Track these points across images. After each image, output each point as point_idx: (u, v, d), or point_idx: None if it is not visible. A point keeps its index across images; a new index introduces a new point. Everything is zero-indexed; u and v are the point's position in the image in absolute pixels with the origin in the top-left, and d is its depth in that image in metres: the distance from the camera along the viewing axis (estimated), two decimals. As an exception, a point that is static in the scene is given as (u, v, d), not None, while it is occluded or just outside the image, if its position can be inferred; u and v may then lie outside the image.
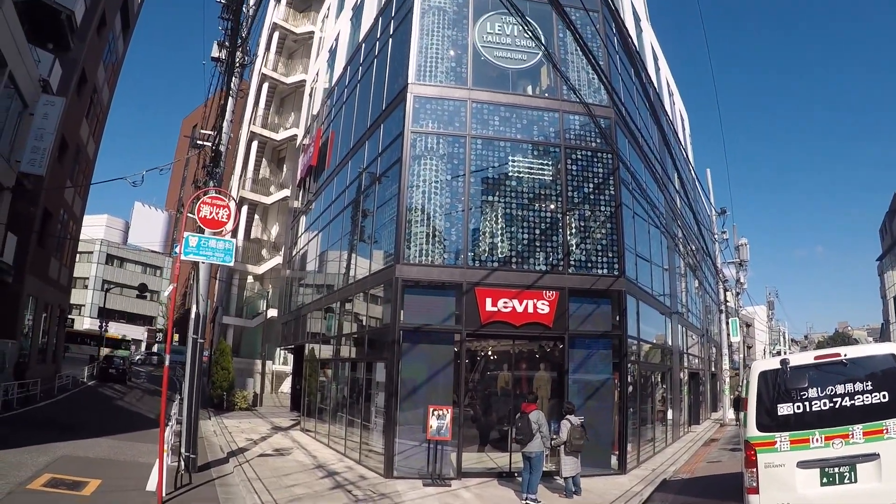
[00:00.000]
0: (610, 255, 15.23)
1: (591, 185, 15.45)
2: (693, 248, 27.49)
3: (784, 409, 7.95)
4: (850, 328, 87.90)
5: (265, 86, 37.99)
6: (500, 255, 14.51)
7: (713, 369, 35.10)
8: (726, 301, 32.71)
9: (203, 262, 13.19)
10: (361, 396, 15.92)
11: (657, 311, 19.35)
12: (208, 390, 27.34)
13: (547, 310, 14.25)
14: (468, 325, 13.78)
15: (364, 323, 16.65)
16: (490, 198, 14.80)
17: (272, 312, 32.81)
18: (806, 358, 8.29)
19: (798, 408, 7.89)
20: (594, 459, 13.86)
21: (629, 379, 15.25)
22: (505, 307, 13.99)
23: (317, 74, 29.93)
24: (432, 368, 13.69)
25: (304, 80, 35.32)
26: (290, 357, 31.78)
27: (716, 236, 31.98)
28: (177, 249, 12.33)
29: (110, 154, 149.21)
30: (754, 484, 7.82)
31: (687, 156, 31.66)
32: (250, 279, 36.89)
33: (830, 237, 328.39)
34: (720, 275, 31.81)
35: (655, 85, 24.76)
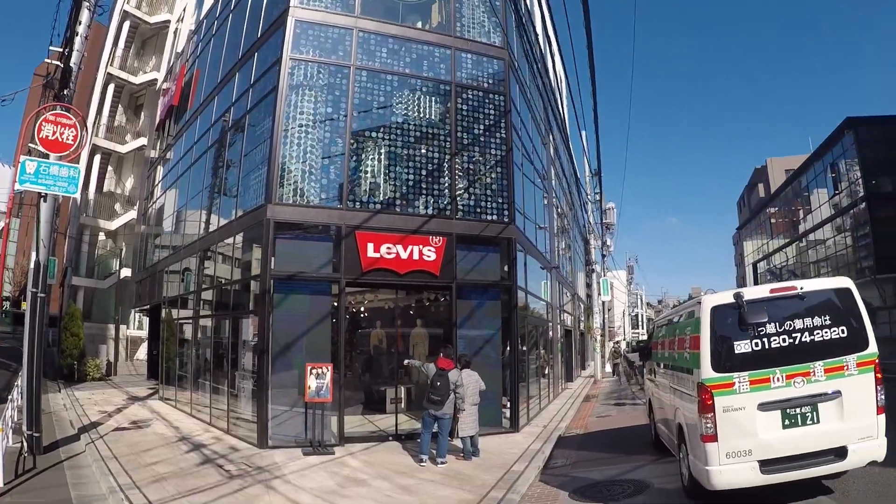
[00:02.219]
0: (500, 200, 14.14)
1: (481, 127, 14.21)
2: (565, 207, 27.34)
3: (741, 346, 7.09)
4: (702, 292, 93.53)
5: (126, 24, 33.73)
6: (383, 198, 12.98)
7: (581, 328, 35.74)
8: (596, 260, 33.19)
9: (44, 194, 10.78)
10: (226, 359, 14.06)
11: (539, 265, 18.68)
12: (57, 360, 24.58)
13: (433, 257, 12.98)
14: (348, 272, 12.24)
15: (229, 276, 14.60)
16: (374, 135, 13.16)
17: (126, 272, 29.46)
18: (761, 291, 7.51)
19: (756, 345, 7.06)
20: (485, 418, 12.88)
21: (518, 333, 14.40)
22: (388, 253, 12.57)
23: (183, 11, 26.80)
24: (308, 322, 12.06)
25: (169, 21, 31.79)
26: (146, 320, 28.83)
27: (588, 196, 32.13)
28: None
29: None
30: (712, 431, 6.90)
31: (564, 118, 31.46)
32: (102, 236, 33.06)
33: (687, 211, 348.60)
34: (593, 233, 32.05)
35: (541, 43, 23.98)
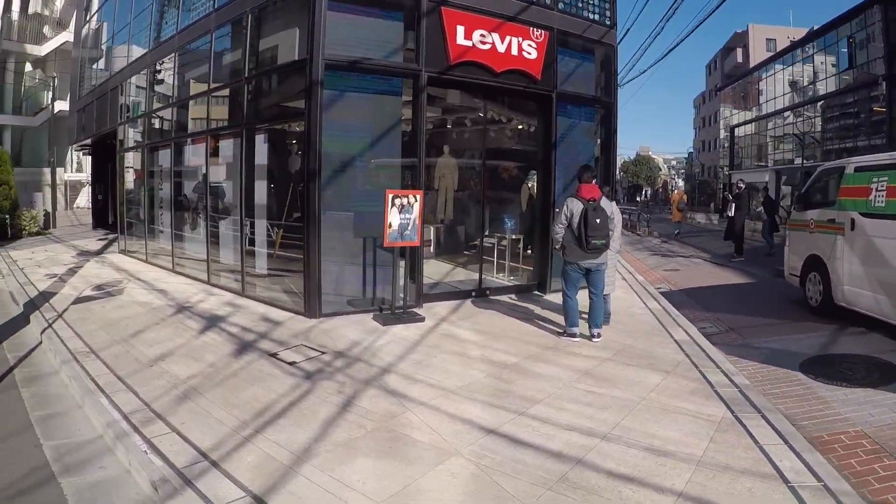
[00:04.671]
0: (601, -4, 9.96)
1: None
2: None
3: None
4: (651, 153, 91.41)
5: None
6: (472, -34, 8.38)
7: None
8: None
9: None
10: (239, 192, 9.26)
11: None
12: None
13: (535, 55, 8.73)
14: (430, 64, 7.80)
15: (241, 72, 9.05)
16: None
17: (61, 105, 23.07)
18: None
19: None
20: None
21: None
22: (482, 42, 8.18)
23: None
24: (374, 133, 7.70)
25: None
26: (87, 161, 23.02)
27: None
28: None
29: None
30: None
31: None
32: (29, 66, 26.14)
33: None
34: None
35: None
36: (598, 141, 10.19)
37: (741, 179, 22.89)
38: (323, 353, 5.94)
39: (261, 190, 9.10)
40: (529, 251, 10.39)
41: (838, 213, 8.34)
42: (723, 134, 47.02)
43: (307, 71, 7.13)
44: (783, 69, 34.40)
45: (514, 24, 8.49)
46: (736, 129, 41.37)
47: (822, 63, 30.23)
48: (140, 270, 11.52)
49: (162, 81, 12.11)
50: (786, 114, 33.78)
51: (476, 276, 9.53)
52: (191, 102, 10.90)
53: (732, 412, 4.61)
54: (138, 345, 6.30)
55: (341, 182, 7.60)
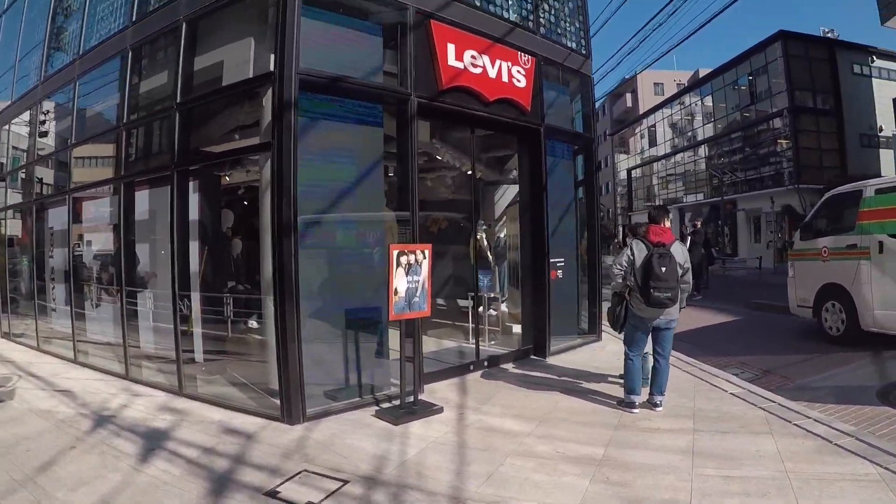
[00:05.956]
0: (576, 25, 8.91)
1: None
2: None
3: None
4: None
5: None
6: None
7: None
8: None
9: None
10: (170, 255, 6.73)
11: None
12: None
13: (524, 82, 7.39)
14: (420, 88, 6.17)
15: (175, 92, 6.52)
16: None
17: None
18: None
19: None
20: (563, 324, 8.13)
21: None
22: (473, 66, 6.70)
23: None
24: (356, 173, 5.85)
25: None
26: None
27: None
28: None
29: None
30: None
31: None
32: None
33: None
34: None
35: None
36: (577, 179, 8.96)
37: (697, 218, 23.67)
38: (345, 481, 3.96)
39: (197, 252, 6.99)
40: (495, 311, 8.96)
41: (861, 238, 7.87)
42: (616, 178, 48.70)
43: (275, 90, 5.27)
44: (681, 109, 36.01)
45: (503, 47, 7.15)
46: (632, 172, 42.86)
47: (721, 101, 31.87)
48: (31, 361, 8.64)
49: (48, 128, 9.63)
50: (686, 152, 35.23)
51: (452, 344, 8.28)
52: (97, 143, 8.54)
53: (882, 466, 4.00)
54: (54, 489, 3.98)
55: (317, 239, 5.71)
